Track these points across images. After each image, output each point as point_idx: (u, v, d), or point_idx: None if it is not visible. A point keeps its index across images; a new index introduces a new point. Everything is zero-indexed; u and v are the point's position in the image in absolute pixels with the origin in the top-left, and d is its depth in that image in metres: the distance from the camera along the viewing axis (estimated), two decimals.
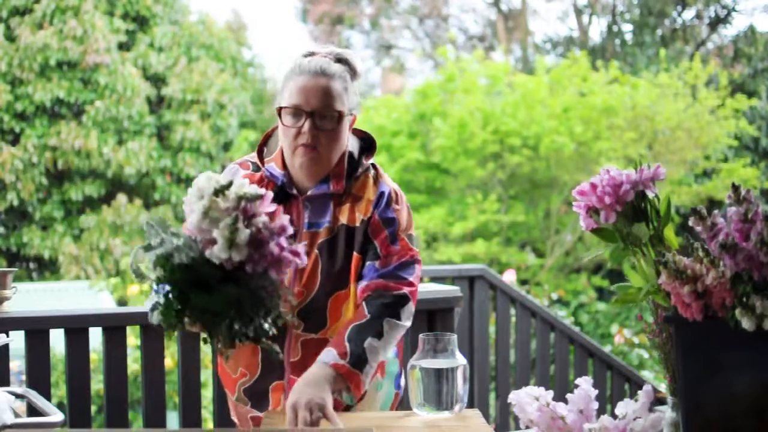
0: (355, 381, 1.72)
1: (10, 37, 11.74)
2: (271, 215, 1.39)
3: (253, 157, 1.92)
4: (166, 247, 1.35)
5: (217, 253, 1.33)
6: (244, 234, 1.32)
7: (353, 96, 1.85)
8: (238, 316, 1.35)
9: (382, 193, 1.87)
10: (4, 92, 11.38)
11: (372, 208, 1.84)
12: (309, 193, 1.83)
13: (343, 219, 1.84)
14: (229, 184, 1.36)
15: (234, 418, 2.01)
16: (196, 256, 1.34)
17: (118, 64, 11.85)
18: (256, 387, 1.90)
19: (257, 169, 1.89)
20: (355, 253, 1.84)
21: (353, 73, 1.86)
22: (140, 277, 1.40)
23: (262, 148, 1.92)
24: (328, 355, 1.72)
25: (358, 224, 1.84)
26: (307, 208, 1.84)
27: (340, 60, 1.85)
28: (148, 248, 1.38)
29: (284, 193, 1.84)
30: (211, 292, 1.34)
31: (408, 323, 1.84)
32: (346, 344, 1.73)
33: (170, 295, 1.35)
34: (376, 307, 1.79)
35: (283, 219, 1.39)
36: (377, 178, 1.89)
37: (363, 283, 1.83)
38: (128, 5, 12.48)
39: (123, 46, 12.50)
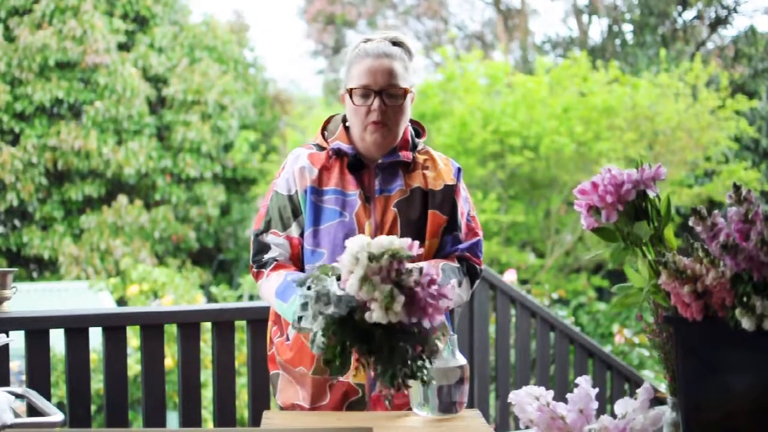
0: None
1: (10, 38, 11.73)
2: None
3: (315, 139, 2.06)
4: (322, 300, 1.46)
5: (376, 318, 1.42)
6: (400, 301, 1.42)
7: (412, 74, 2.01)
8: (397, 359, 1.46)
9: (459, 169, 2.07)
10: (4, 92, 11.37)
11: (455, 178, 2.03)
12: (380, 161, 1.98)
13: (416, 183, 1.99)
14: (382, 253, 1.45)
15: (296, 401, 1.98)
16: (355, 306, 1.44)
17: (118, 64, 11.84)
18: None
19: (321, 149, 2.02)
20: (431, 211, 1.98)
21: (409, 54, 2.01)
22: (302, 330, 1.53)
23: (324, 131, 2.06)
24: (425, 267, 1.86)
25: (438, 188, 2.00)
26: (378, 175, 1.98)
27: (395, 43, 2.00)
28: (305, 306, 1.49)
29: (359, 164, 1.98)
30: (370, 341, 1.45)
31: (468, 296, 2.04)
32: (440, 270, 1.91)
33: (332, 344, 1.46)
34: (463, 265, 2.01)
35: (429, 268, 1.48)
36: (440, 155, 2.08)
37: (449, 250, 2.00)
38: (128, 5, 12.47)
39: (123, 47, 12.49)
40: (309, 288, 1.50)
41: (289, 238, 1.97)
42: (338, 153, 1.99)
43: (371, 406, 1.93)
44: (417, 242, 1.49)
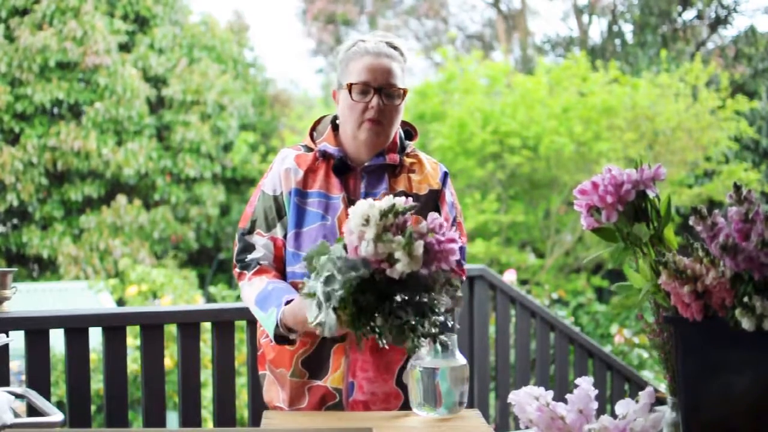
0: None
1: (10, 38, 11.73)
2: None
3: (304, 140, 2.05)
4: (342, 267, 1.49)
5: (400, 269, 1.46)
6: (419, 246, 1.46)
7: (407, 78, 2.01)
8: (416, 314, 1.50)
9: (446, 173, 2.04)
10: (4, 93, 11.38)
11: (440, 183, 2.00)
12: (366, 164, 1.96)
13: (401, 187, 1.97)
14: (391, 207, 1.50)
15: (277, 403, 1.99)
16: (369, 272, 1.48)
17: (118, 65, 11.84)
18: (316, 355, 1.93)
19: (309, 150, 2.01)
20: (413, 216, 1.95)
21: (404, 57, 2.01)
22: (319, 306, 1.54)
23: (312, 132, 2.05)
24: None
25: (423, 192, 1.97)
26: (364, 178, 1.96)
27: (391, 46, 1.99)
28: (329, 279, 1.51)
29: (344, 166, 1.96)
30: (391, 300, 1.49)
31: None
32: None
33: (352, 312, 1.50)
34: None
35: (435, 217, 1.55)
36: (429, 158, 2.07)
37: None
38: (128, 6, 12.47)
39: (123, 47, 12.49)
40: (316, 271, 1.53)
41: (273, 239, 1.97)
42: (324, 155, 1.97)
43: (348, 410, 1.92)
44: (410, 198, 1.56)
